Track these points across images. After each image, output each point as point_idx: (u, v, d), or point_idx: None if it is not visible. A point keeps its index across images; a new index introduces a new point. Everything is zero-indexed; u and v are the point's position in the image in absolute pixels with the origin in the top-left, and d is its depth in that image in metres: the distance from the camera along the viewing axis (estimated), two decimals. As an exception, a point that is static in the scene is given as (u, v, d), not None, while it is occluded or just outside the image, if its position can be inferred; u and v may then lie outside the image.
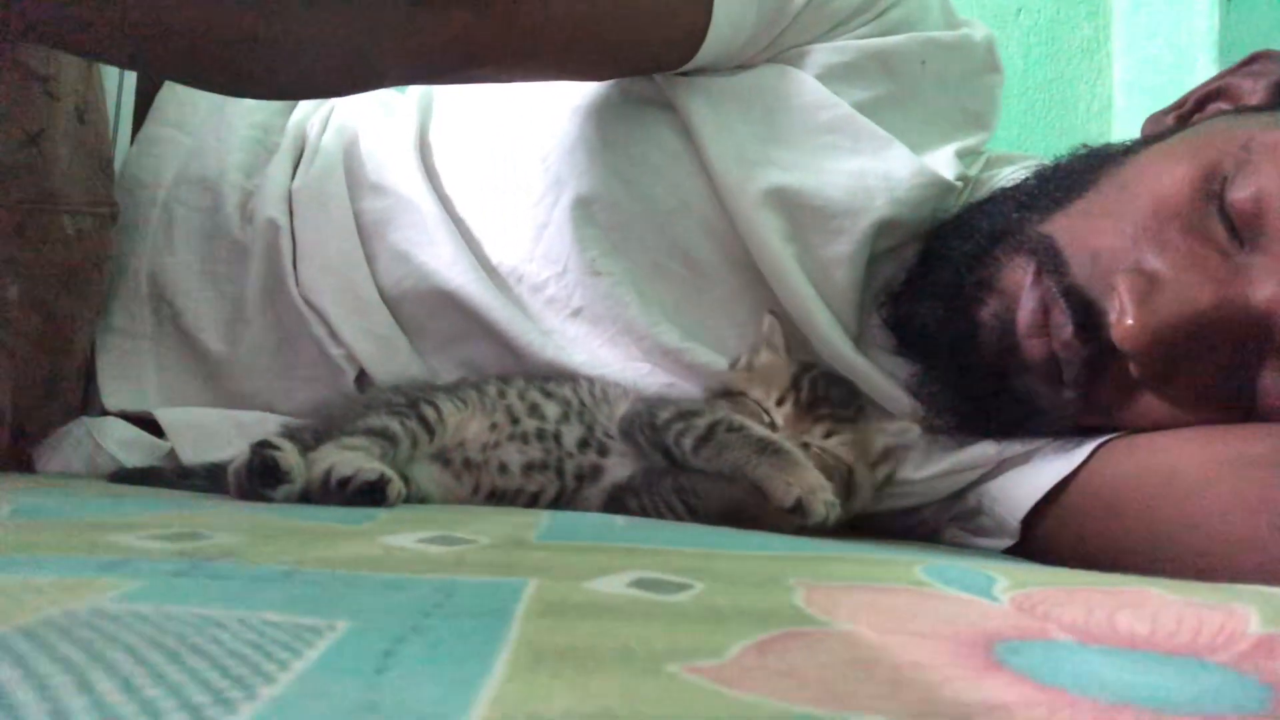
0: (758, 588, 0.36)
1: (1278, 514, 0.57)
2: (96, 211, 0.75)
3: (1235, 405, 0.64)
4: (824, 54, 0.79)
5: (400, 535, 0.41)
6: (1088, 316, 0.65)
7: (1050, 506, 0.69)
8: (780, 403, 0.68)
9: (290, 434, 0.69)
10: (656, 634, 0.28)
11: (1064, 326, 0.66)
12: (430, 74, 0.76)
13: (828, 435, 0.67)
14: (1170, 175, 0.65)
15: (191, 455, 0.75)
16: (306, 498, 0.59)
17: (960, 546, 0.75)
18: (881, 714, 0.22)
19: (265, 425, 0.78)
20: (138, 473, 0.70)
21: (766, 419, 0.67)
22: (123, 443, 0.74)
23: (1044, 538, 0.69)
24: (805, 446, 0.66)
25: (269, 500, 0.58)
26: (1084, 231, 0.68)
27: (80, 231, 0.74)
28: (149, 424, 0.78)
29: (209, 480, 0.68)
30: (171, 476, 0.69)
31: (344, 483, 0.57)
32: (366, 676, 0.21)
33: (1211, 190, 0.63)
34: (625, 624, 0.29)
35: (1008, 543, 0.71)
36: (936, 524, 0.79)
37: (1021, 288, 0.69)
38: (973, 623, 0.32)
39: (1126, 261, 0.65)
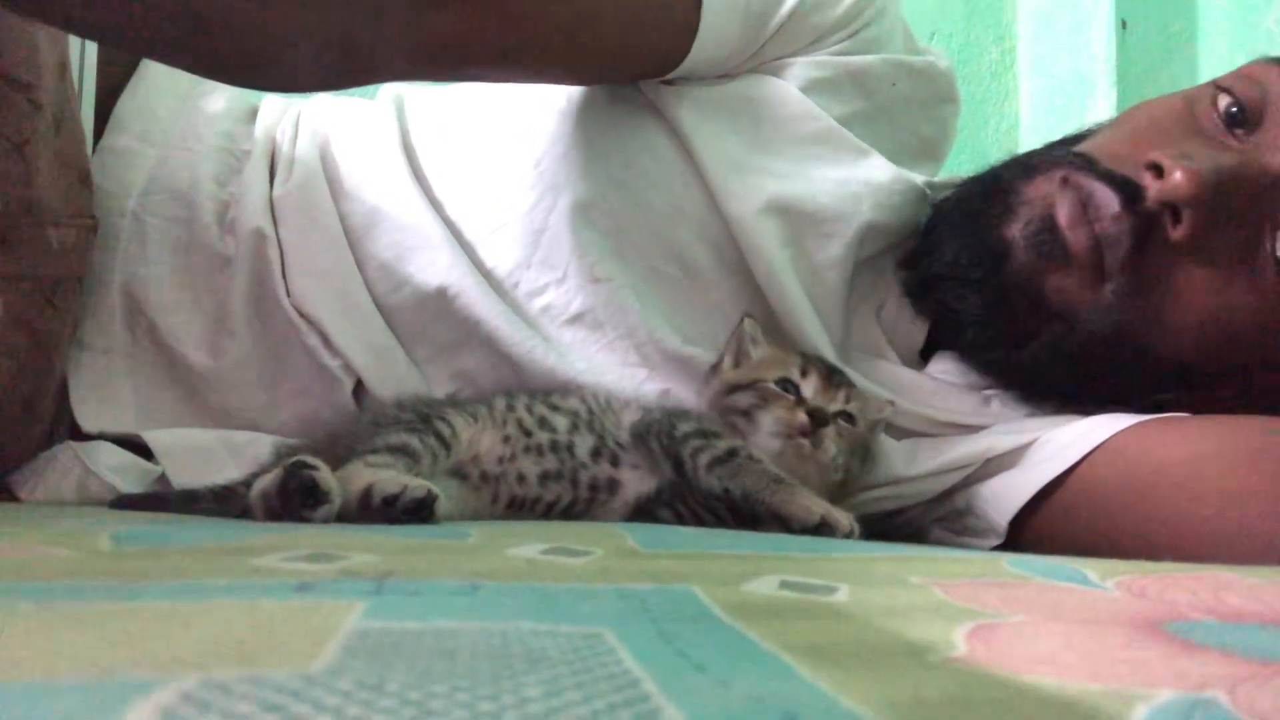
0: (893, 586, 0.38)
1: (1262, 504, 0.62)
2: (78, 223, 0.72)
3: (1258, 275, 0.71)
4: (804, 68, 0.83)
5: (521, 548, 0.42)
6: (1127, 192, 0.72)
7: (1040, 508, 0.73)
8: (805, 375, 0.71)
9: (288, 454, 0.67)
10: (871, 629, 0.30)
11: (1109, 205, 0.72)
12: (426, 70, 0.75)
13: (849, 400, 0.71)
14: (1163, 103, 0.77)
15: (183, 478, 0.72)
16: (341, 517, 0.58)
17: (948, 546, 0.79)
18: (1162, 686, 0.24)
19: (258, 445, 0.76)
20: (142, 498, 0.67)
21: (793, 396, 0.70)
22: (114, 468, 0.71)
23: (1032, 537, 0.73)
24: (835, 417, 0.69)
25: (306, 521, 0.56)
26: (1104, 144, 0.77)
27: (63, 244, 0.70)
28: (134, 446, 0.75)
29: (217, 503, 0.66)
30: (178, 501, 0.66)
31: (389, 501, 0.56)
32: (712, 683, 0.22)
33: (1204, 103, 0.74)
34: (831, 622, 0.31)
35: (995, 542, 0.75)
36: (921, 524, 0.82)
37: (1052, 195, 0.75)
38: (1115, 609, 0.35)
39: (1154, 151, 0.72)
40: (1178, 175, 0.69)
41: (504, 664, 0.22)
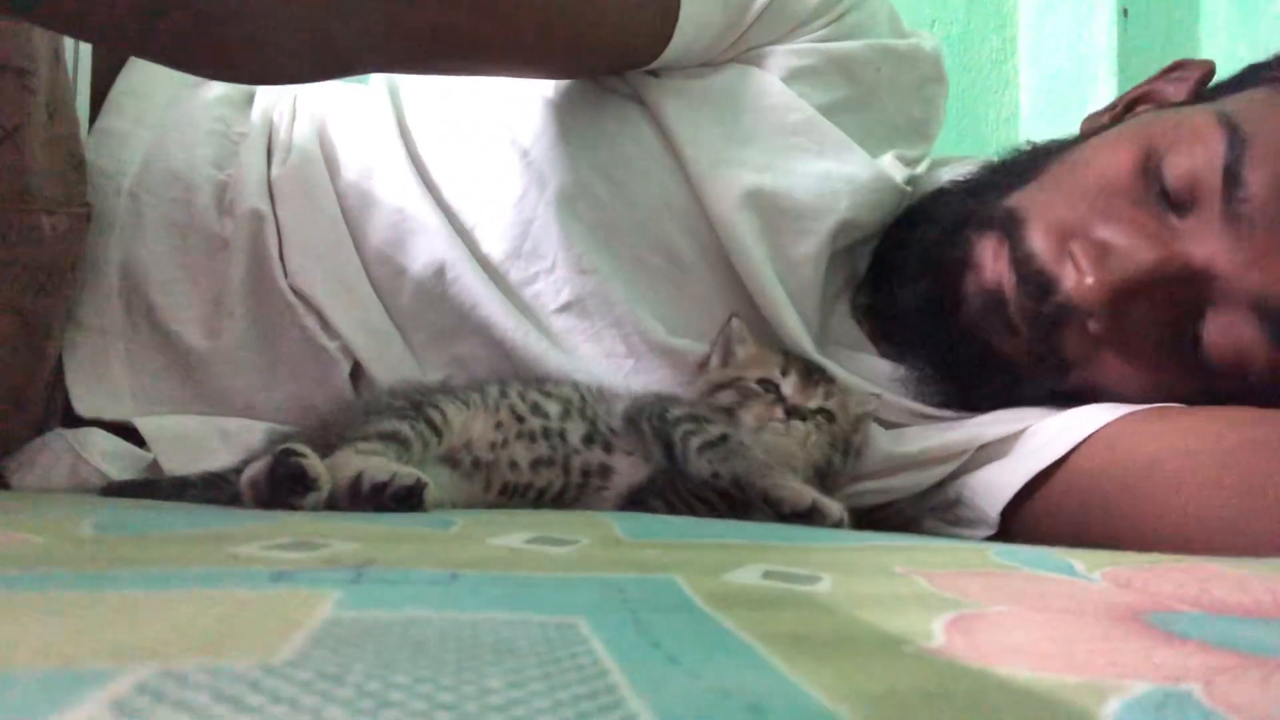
0: (876, 577, 0.38)
1: (1255, 498, 0.62)
2: (73, 210, 0.72)
3: (1186, 357, 0.71)
4: (787, 56, 0.82)
5: (504, 538, 0.41)
6: (1040, 288, 0.72)
7: (1030, 498, 0.73)
8: (785, 374, 0.72)
9: (279, 441, 0.67)
10: (850, 620, 0.29)
11: (1026, 297, 0.73)
12: (402, 63, 0.75)
13: (828, 396, 0.72)
14: (1113, 158, 0.74)
15: (175, 465, 0.72)
16: (331, 505, 0.58)
17: (940, 536, 0.79)
18: (1137, 678, 0.24)
19: (250, 432, 0.76)
20: (133, 485, 0.67)
21: (771, 395, 0.71)
22: (106, 454, 0.71)
23: (1024, 528, 0.73)
24: (814, 413, 0.71)
25: (294, 509, 0.56)
26: (1041, 203, 0.76)
27: (57, 231, 0.70)
28: (126, 431, 0.75)
29: (207, 490, 0.66)
30: (169, 488, 0.66)
31: (379, 489, 0.56)
32: (681, 674, 0.22)
33: (1149, 168, 0.71)
34: (810, 612, 0.30)
35: (987, 532, 0.75)
36: (913, 514, 0.82)
37: (993, 268, 0.75)
38: (1098, 600, 0.34)
39: (1079, 230, 0.72)
40: (1089, 283, 0.69)
41: (471, 654, 0.22)
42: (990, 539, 0.74)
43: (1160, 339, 0.71)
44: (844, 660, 0.24)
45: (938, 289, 0.78)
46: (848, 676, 0.23)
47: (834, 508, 0.61)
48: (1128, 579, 0.38)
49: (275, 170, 0.83)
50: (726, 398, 0.72)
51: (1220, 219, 0.67)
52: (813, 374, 0.74)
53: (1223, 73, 0.82)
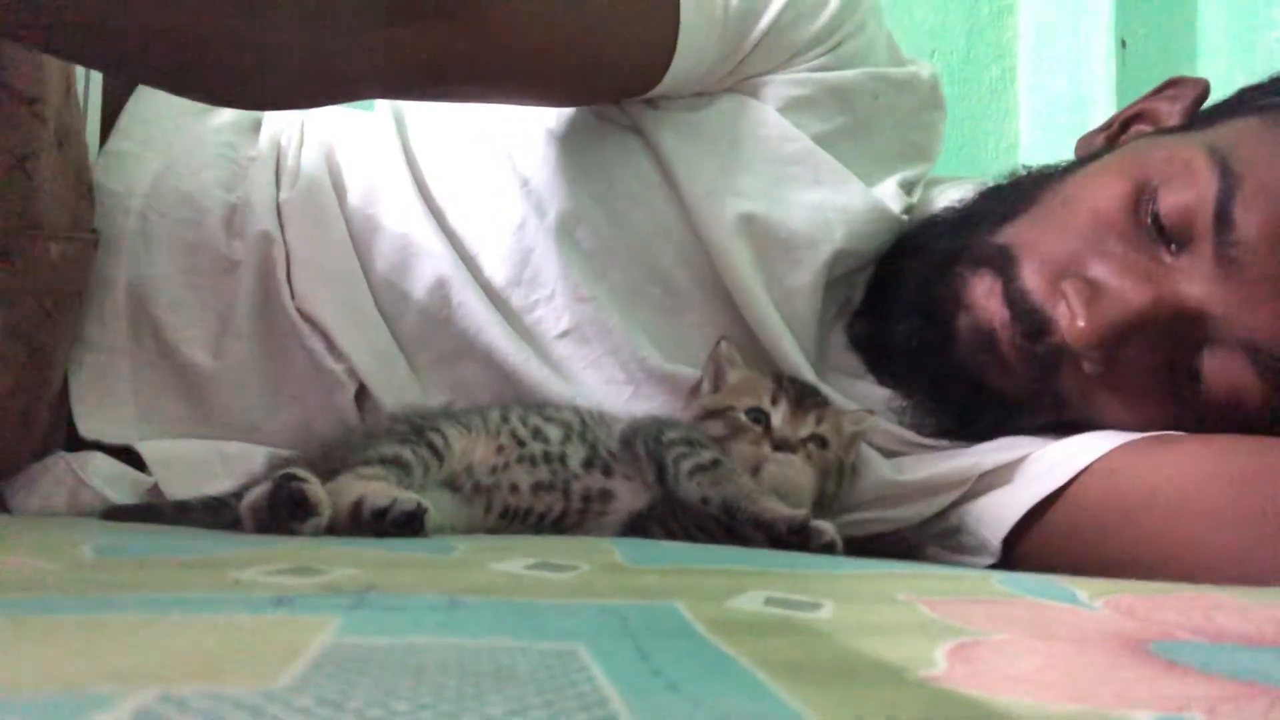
0: (878, 604, 0.38)
1: (1255, 527, 0.62)
2: (80, 238, 0.72)
3: (1181, 394, 0.71)
4: (783, 86, 0.83)
5: (505, 564, 0.41)
6: (1034, 328, 0.72)
7: (1032, 526, 0.72)
8: (775, 402, 0.71)
9: (280, 466, 0.67)
10: (851, 647, 0.29)
11: (1019, 336, 0.73)
12: (403, 90, 0.76)
13: (819, 421, 0.71)
14: (1106, 191, 0.74)
15: (176, 490, 0.72)
16: (331, 530, 0.58)
17: (942, 563, 0.79)
18: (1140, 708, 0.23)
19: (251, 457, 0.76)
20: (133, 509, 0.67)
21: (762, 426, 0.70)
22: (107, 478, 0.71)
23: (1026, 556, 0.73)
24: (805, 442, 0.70)
25: (294, 534, 0.56)
26: (1033, 238, 0.76)
27: (65, 258, 0.70)
28: (127, 455, 0.75)
29: (208, 514, 0.65)
30: (170, 512, 0.66)
31: (379, 514, 0.56)
32: (681, 702, 0.22)
33: (1142, 203, 0.71)
34: (811, 639, 0.30)
35: (989, 560, 0.75)
36: (916, 541, 0.82)
37: (985, 307, 0.75)
38: (1101, 628, 0.34)
39: (1072, 268, 0.72)
40: (1080, 325, 0.69)
41: (471, 681, 0.22)
42: (992, 566, 0.74)
43: (1156, 376, 0.71)
44: (845, 688, 0.24)
45: (931, 326, 0.78)
46: (849, 704, 0.23)
47: (827, 527, 0.61)
48: (1131, 607, 0.38)
49: (284, 194, 0.84)
50: (716, 428, 0.71)
51: (1212, 260, 0.67)
52: (805, 399, 0.73)
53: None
